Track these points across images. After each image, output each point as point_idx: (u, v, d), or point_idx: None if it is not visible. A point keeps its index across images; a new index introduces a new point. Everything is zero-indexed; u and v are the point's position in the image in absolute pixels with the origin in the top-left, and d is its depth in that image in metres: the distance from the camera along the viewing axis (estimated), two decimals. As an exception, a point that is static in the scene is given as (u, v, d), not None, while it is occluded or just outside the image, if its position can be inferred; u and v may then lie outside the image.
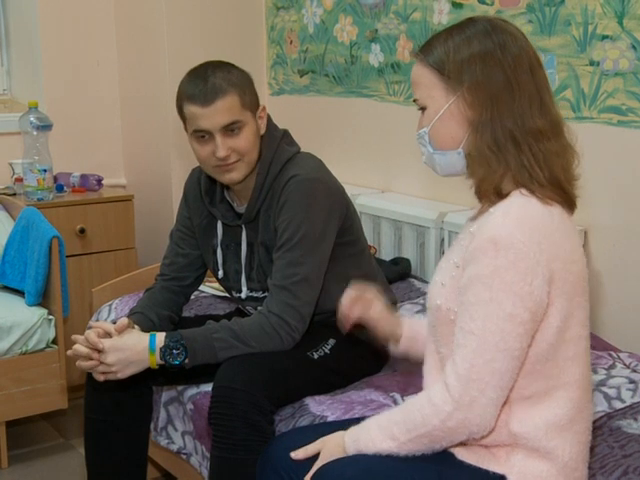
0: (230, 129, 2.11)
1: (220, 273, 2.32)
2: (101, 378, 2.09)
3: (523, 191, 1.56)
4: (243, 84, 2.14)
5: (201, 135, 2.13)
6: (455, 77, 1.59)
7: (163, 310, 2.32)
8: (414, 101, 1.67)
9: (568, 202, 1.61)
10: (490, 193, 1.59)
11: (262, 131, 2.20)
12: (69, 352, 2.12)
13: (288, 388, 2.08)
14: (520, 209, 1.54)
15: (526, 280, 1.50)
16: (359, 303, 1.93)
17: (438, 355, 1.68)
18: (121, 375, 2.07)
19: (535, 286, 1.50)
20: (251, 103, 2.15)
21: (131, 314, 2.27)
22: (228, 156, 2.12)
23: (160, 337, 2.06)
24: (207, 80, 2.09)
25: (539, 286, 1.51)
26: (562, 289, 1.54)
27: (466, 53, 1.58)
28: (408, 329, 1.93)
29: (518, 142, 1.56)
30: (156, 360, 2.05)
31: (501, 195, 1.58)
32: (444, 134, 1.63)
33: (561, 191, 1.59)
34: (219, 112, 2.09)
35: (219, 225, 2.29)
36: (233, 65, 2.19)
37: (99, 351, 2.05)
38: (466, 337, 1.53)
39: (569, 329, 1.57)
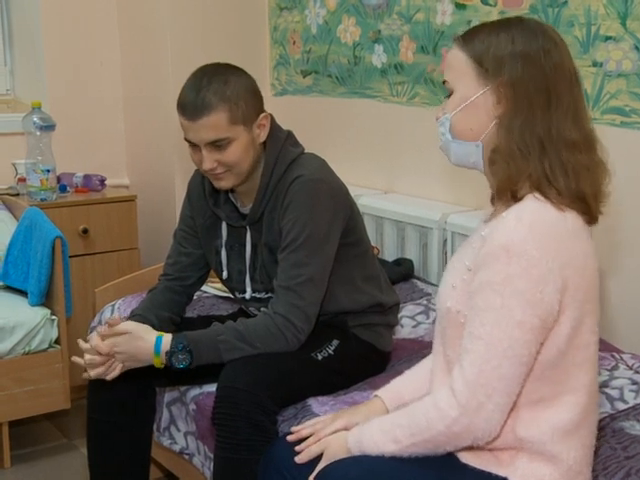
0: (216, 145, 2.10)
1: (225, 274, 2.32)
2: (109, 378, 2.14)
3: (537, 195, 1.54)
4: (238, 97, 2.10)
5: (191, 143, 2.14)
6: (493, 69, 1.56)
7: (163, 312, 2.32)
8: (443, 83, 1.66)
9: (589, 215, 1.59)
10: (507, 193, 1.57)
11: (262, 139, 2.17)
12: (79, 361, 2.16)
13: (292, 389, 2.08)
14: (533, 214, 1.52)
15: (538, 287, 1.49)
16: None
17: (445, 357, 1.67)
18: (122, 365, 2.13)
19: (546, 293, 1.49)
20: (245, 116, 2.11)
21: (132, 316, 2.28)
22: (214, 168, 2.12)
23: (166, 339, 2.07)
24: (199, 92, 2.07)
25: (550, 294, 1.50)
26: (574, 296, 1.53)
27: (508, 50, 1.56)
28: (391, 401, 1.84)
29: (545, 148, 1.54)
30: (160, 361, 2.08)
31: (516, 198, 1.56)
32: (466, 124, 1.61)
33: (584, 205, 1.57)
34: (204, 129, 2.08)
35: (223, 226, 2.29)
36: (236, 72, 2.16)
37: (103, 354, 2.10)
38: (474, 342, 1.52)
39: (579, 335, 1.56)
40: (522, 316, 1.49)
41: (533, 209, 1.53)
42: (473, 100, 1.59)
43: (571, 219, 1.55)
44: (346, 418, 1.80)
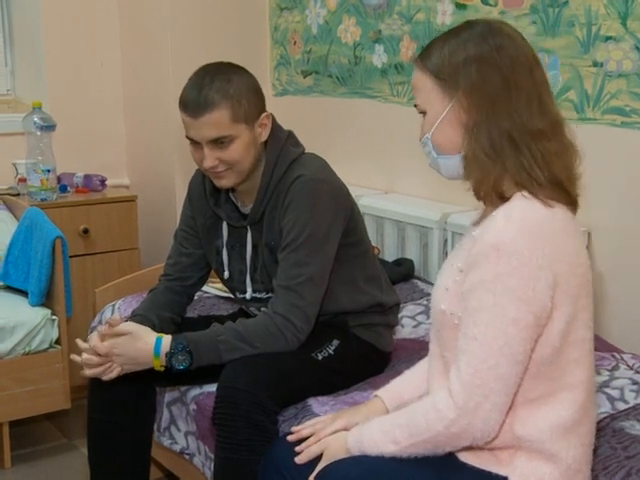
0: (218, 142, 2.10)
1: (226, 274, 2.32)
2: (105, 378, 2.13)
3: (525, 193, 1.55)
4: (240, 95, 2.10)
5: (192, 141, 2.14)
6: (451, 81, 1.58)
7: (164, 312, 2.32)
8: (415, 106, 1.67)
9: (571, 202, 1.60)
10: (490, 195, 1.58)
11: (263, 138, 2.18)
12: (78, 360, 2.15)
13: (292, 388, 2.08)
14: (522, 212, 1.53)
15: (529, 285, 1.49)
16: None
17: (442, 359, 1.67)
18: (122, 368, 2.12)
19: (538, 290, 1.50)
20: (247, 115, 2.12)
21: (133, 316, 2.28)
22: (215, 166, 2.12)
23: (166, 341, 2.07)
24: (201, 90, 2.08)
25: (542, 290, 1.50)
26: (567, 292, 1.53)
27: (461, 56, 1.57)
28: (392, 401, 1.84)
29: (516, 143, 1.55)
30: (160, 363, 2.08)
31: (503, 198, 1.57)
32: (444, 139, 1.62)
33: (563, 191, 1.58)
34: (206, 126, 2.08)
35: (224, 226, 2.29)
36: (238, 71, 2.16)
37: (101, 355, 2.10)
38: (469, 343, 1.53)
39: (573, 332, 1.56)
40: (516, 313, 1.50)
41: (522, 207, 1.54)
42: (444, 116, 1.61)
43: (560, 214, 1.56)
44: (346, 418, 1.80)
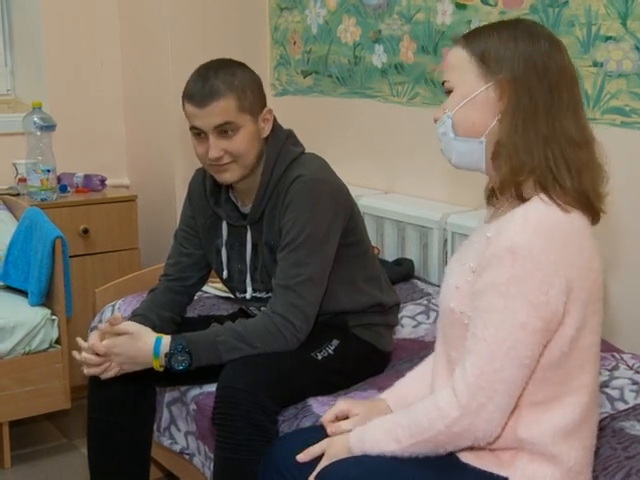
0: (224, 130, 2.10)
1: (225, 274, 2.32)
2: (104, 377, 2.13)
3: (543, 197, 1.54)
4: (245, 87, 2.12)
5: (197, 132, 2.14)
6: (495, 67, 1.57)
7: (165, 312, 2.32)
8: (443, 84, 1.66)
9: (592, 212, 1.59)
10: (511, 190, 1.57)
11: (265, 133, 2.19)
12: (78, 357, 2.14)
13: (292, 388, 2.08)
14: (540, 216, 1.52)
15: (542, 289, 1.48)
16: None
17: (447, 358, 1.67)
18: (121, 367, 2.12)
19: (551, 295, 1.49)
20: (252, 106, 2.13)
21: (133, 316, 2.28)
22: (221, 157, 2.12)
23: (166, 341, 2.07)
24: (207, 81, 2.09)
25: (555, 296, 1.49)
26: (579, 297, 1.52)
27: (511, 48, 1.57)
28: (395, 403, 1.84)
29: (548, 144, 1.55)
30: (160, 363, 2.08)
31: (521, 197, 1.56)
32: (469, 119, 1.61)
33: (587, 202, 1.57)
34: (213, 114, 2.09)
35: (224, 225, 2.29)
36: (241, 66, 2.18)
37: (101, 355, 2.10)
38: (477, 344, 1.52)
39: (582, 337, 1.56)
40: (526, 318, 1.49)
41: (539, 211, 1.53)
42: (475, 96, 1.59)
43: (577, 220, 1.55)
44: (349, 404, 1.81)
